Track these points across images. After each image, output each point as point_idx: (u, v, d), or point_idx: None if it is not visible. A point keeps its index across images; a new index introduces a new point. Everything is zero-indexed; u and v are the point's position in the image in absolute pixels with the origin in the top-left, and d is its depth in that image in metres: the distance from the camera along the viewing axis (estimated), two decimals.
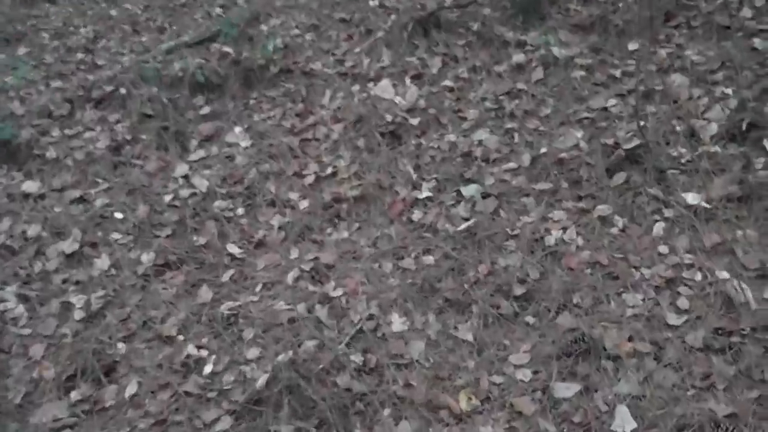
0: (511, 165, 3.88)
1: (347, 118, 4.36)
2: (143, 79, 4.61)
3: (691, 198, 3.46)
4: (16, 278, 3.62)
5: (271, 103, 4.61)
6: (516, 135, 4.07)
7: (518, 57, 4.58)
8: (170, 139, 4.31)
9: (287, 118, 4.48)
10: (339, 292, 3.35)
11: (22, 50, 5.74)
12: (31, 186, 4.12)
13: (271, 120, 4.48)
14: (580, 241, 3.40)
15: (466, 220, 3.62)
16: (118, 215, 3.89)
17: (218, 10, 5.99)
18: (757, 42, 4.34)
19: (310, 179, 4.03)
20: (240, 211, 3.90)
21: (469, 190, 3.78)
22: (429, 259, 3.45)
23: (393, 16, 5.11)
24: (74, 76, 5.10)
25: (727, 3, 4.71)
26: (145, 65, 4.77)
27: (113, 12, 6.42)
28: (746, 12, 4.60)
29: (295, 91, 4.69)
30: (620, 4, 4.87)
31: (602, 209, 3.53)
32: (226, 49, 4.93)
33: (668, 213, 3.43)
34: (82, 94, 4.76)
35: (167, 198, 3.97)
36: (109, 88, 4.71)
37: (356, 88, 4.61)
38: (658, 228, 3.37)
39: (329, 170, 4.07)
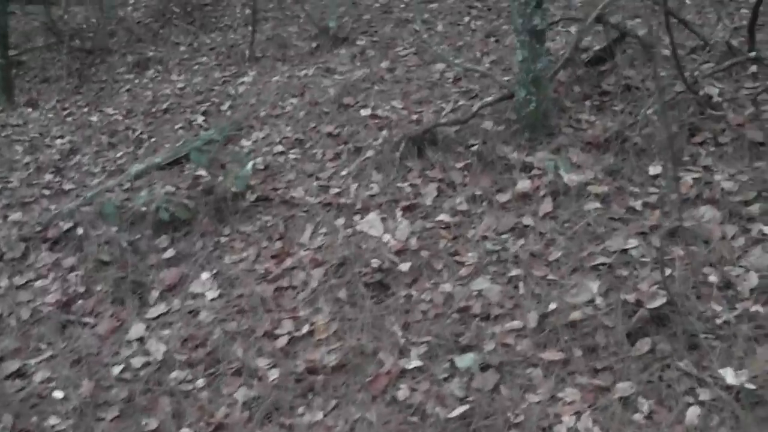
0: (516, 324, 3.32)
1: (329, 260, 3.82)
2: (103, 216, 4.10)
3: (731, 376, 2.86)
4: None
5: (245, 240, 4.08)
6: (521, 285, 3.51)
7: (524, 184, 4.03)
8: (127, 292, 3.80)
9: (262, 261, 3.94)
10: None
11: None
12: None
13: (243, 263, 3.94)
14: (596, 431, 2.77)
15: (461, 400, 3.03)
16: (58, 394, 3.35)
17: (200, 119, 5.49)
18: None
19: (282, 341, 3.49)
20: (200, 382, 3.37)
21: (465, 361, 3.21)
22: None
23: (384, 132, 4.56)
24: (37, 204, 4.60)
25: (759, 113, 4.13)
26: (107, 201, 4.25)
27: (94, 118, 5.97)
28: None
29: (272, 225, 4.17)
30: (638, 117, 4.28)
31: (623, 388, 2.94)
32: (200, 172, 4.40)
33: (703, 395, 2.84)
34: (40, 231, 4.25)
35: (116, 370, 3.46)
36: (66, 226, 4.21)
37: (341, 221, 4.08)
38: (692, 415, 2.78)
39: (305, 329, 3.54)
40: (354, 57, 6.12)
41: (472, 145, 4.32)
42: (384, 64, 5.70)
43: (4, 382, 3.49)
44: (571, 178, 3.96)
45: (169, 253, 4.04)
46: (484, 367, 3.17)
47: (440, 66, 5.54)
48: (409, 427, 2.99)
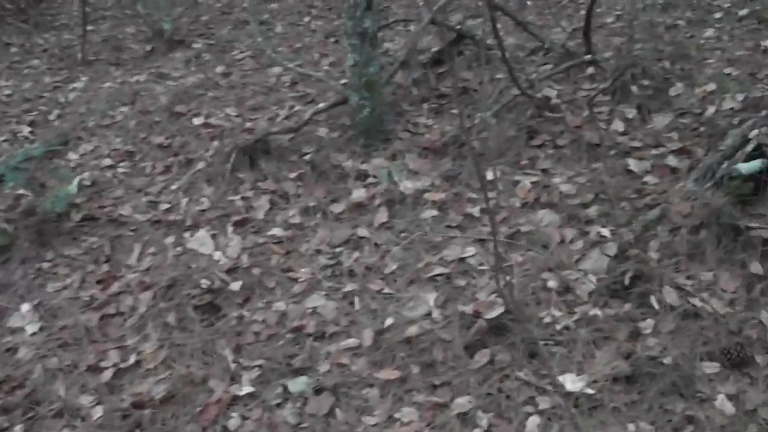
0: (351, 343, 3.26)
1: (158, 282, 3.67)
2: None
3: (570, 382, 2.90)
4: None
5: (70, 265, 3.87)
6: (357, 300, 3.46)
7: (358, 193, 3.97)
8: None
9: (87, 287, 3.75)
10: None
11: None
12: None
13: (67, 290, 3.73)
14: None
15: (295, 427, 2.97)
16: None
17: (26, 130, 5.18)
18: (631, 163, 3.86)
19: (108, 374, 3.32)
20: (17, 429, 3.13)
21: (298, 385, 3.13)
22: None
23: (216, 142, 4.41)
24: None
25: (595, 115, 4.20)
26: None
27: None
28: (617, 125, 4.11)
29: (98, 247, 3.96)
30: (475, 120, 4.28)
31: (462, 403, 2.92)
32: (20, 192, 4.14)
33: (543, 403, 2.85)
34: None
35: None
36: None
37: (171, 240, 3.92)
38: (532, 425, 2.78)
39: (132, 359, 3.37)
40: (189, 61, 5.93)
41: (306, 154, 4.23)
42: (219, 69, 5.55)
43: None
44: (407, 185, 3.93)
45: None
46: (319, 390, 3.10)
47: (277, 70, 5.43)
48: None
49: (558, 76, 4.70)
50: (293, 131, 4.34)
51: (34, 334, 3.53)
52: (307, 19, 6.53)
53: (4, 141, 5.18)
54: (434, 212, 3.83)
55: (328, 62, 5.43)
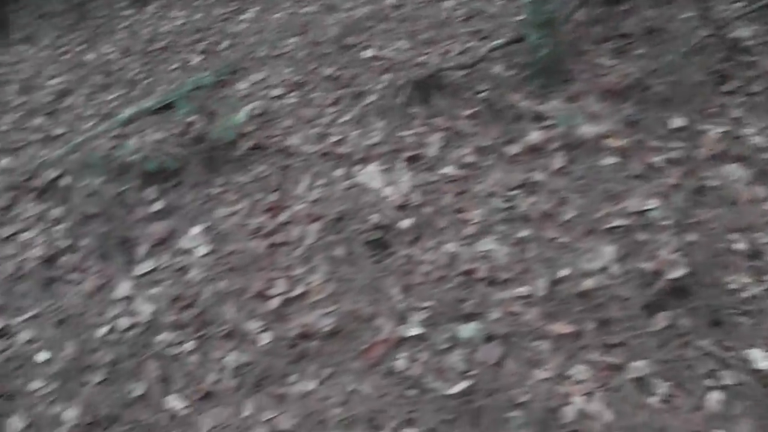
0: (523, 291, 3.09)
1: (326, 214, 3.59)
2: (89, 165, 3.85)
3: (761, 358, 2.61)
4: None
5: (239, 192, 3.84)
6: (530, 247, 3.27)
7: (534, 135, 3.75)
8: (114, 247, 3.57)
9: (255, 214, 3.70)
10: None
11: None
12: None
13: (236, 216, 3.70)
14: (608, 415, 2.60)
15: (463, 374, 2.82)
16: (42, 356, 3.16)
17: (197, 59, 5.19)
18: None
19: (275, 302, 3.28)
20: (189, 345, 3.17)
21: (468, 331, 3.00)
22: None
23: (388, 75, 4.26)
24: (27, 150, 4.35)
25: None
26: (92, 150, 4.00)
27: (90, 56, 5.66)
28: None
29: (267, 176, 3.91)
30: (661, 62, 3.97)
31: (638, 367, 2.72)
32: (191, 119, 4.13)
33: (727, 378, 2.61)
34: (27, 180, 4.02)
35: (102, 331, 3.26)
36: (53, 175, 3.98)
37: (339, 173, 3.82)
38: (713, 401, 2.55)
39: (299, 289, 3.31)
40: None
41: (481, 92, 4.03)
42: (390, 1, 5.36)
43: None
44: (586, 129, 3.68)
45: (158, 205, 3.81)
46: (488, 338, 2.96)
47: (449, 3, 5.22)
48: (407, 402, 2.78)
49: (753, 15, 4.28)
50: (468, 67, 4.14)
51: (204, 256, 3.53)
52: None
53: (176, 69, 5.21)
54: (614, 159, 3.58)
55: None
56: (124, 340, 3.22)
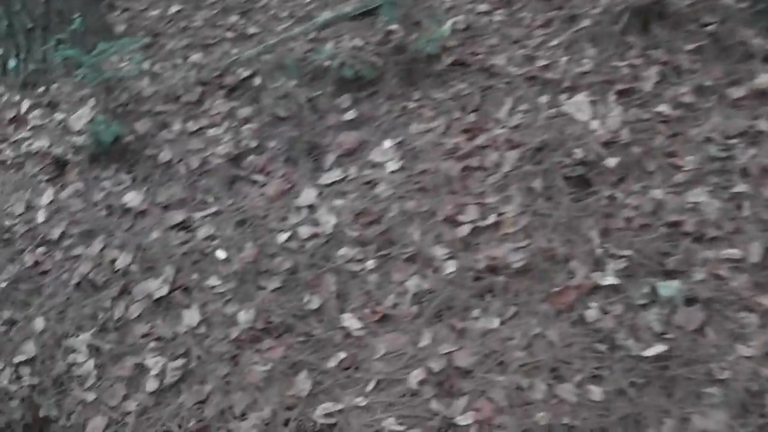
0: (734, 254, 2.85)
1: (527, 143, 3.41)
2: (283, 67, 3.80)
3: None
4: (92, 322, 3.01)
5: (436, 108, 3.70)
6: (746, 205, 2.99)
7: (764, 79, 3.39)
8: (301, 152, 3.54)
9: (452, 134, 3.56)
10: (468, 419, 2.54)
11: (175, 7, 5.04)
12: (133, 198, 3.47)
13: (430, 134, 3.58)
14: None
15: (659, 336, 2.63)
16: (221, 254, 3.19)
17: None
18: None
19: (464, 230, 3.15)
20: (370, 264, 3.11)
21: (669, 289, 2.79)
22: (596, 392, 2.53)
23: (605, 0, 3.96)
24: (219, 47, 4.35)
25: None
26: (288, 52, 3.93)
27: None
28: None
29: (467, 94, 3.75)
30: None
31: None
32: (392, 27, 3.99)
33: None
34: (218, 77, 4.01)
35: (282, 237, 3.24)
36: (245, 74, 3.95)
37: (544, 99, 3.61)
38: None
39: (491, 219, 3.19)
40: None
41: (708, 24, 3.67)
42: None
43: (169, 232, 3.33)
44: None
45: (351, 114, 3.72)
46: (690, 300, 2.76)
47: None
48: (595, 357, 2.62)
49: None
50: None
51: (393, 172, 3.43)
52: None
53: None
54: None
55: None
56: (305, 249, 3.19)
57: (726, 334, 2.61)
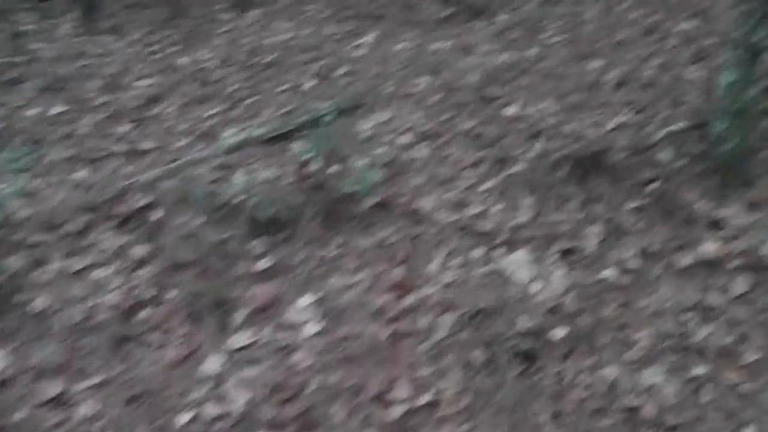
0: None
1: (462, 305, 3.02)
2: (188, 199, 3.31)
3: None
4: None
5: (359, 258, 3.29)
6: (706, 390, 2.67)
7: (708, 247, 3.18)
8: (207, 307, 3.01)
9: (378, 290, 3.16)
10: None
11: (57, 108, 4.48)
12: None
13: (354, 289, 3.16)
14: None
15: None
16: None
17: (310, 84, 4.64)
18: None
19: (397, 411, 2.73)
20: None
21: None
22: None
23: (539, 144, 3.69)
24: (107, 162, 3.81)
25: None
26: (194, 181, 3.45)
27: (184, 60, 5.13)
28: None
29: (393, 243, 3.35)
30: None
31: None
32: (307, 157, 3.58)
33: None
34: (107, 201, 3.46)
35: (184, 418, 2.69)
36: (141, 202, 3.42)
37: (479, 254, 3.27)
38: None
39: (426, 397, 2.73)
40: (496, 36, 5.20)
41: (648, 182, 3.43)
42: (532, 51, 4.79)
43: (40, 409, 2.73)
44: None
45: (265, 262, 3.26)
46: None
47: (597, 64, 4.63)
48: None
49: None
50: (639, 152, 3.55)
51: (313, 336, 2.97)
52: (624, 6, 5.63)
53: (285, 91, 4.67)
54: None
55: (655, 63, 4.57)
56: None
57: None
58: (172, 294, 3.13)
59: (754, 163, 3.46)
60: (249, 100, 4.62)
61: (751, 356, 2.80)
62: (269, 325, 3.04)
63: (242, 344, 2.97)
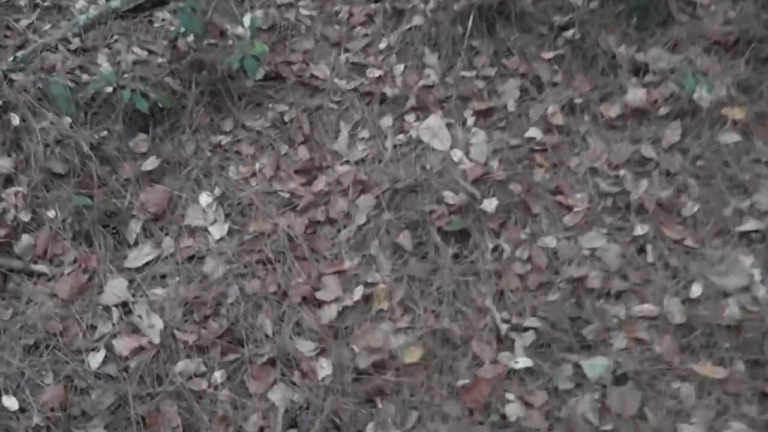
0: (649, 311, 2.34)
1: (380, 184, 2.70)
2: (50, 100, 2.77)
3: None
4: None
5: (256, 142, 2.91)
6: (650, 249, 2.50)
7: (636, 94, 2.94)
8: (95, 223, 2.55)
9: (282, 177, 2.81)
10: None
11: None
12: None
13: (256, 179, 2.76)
14: None
15: (598, 430, 2.13)
16: (11, 403, 2.19)
17: None
18: None
19: (329, 312, 2.41)
20: (218, 377, 2.25)
21: (595, 369, 2.26)
22: None
23: None
24: None
25: None
26: (49, 69, 2.89)
27: None
28: None
29: (291, 120, 2.98)
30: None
31: None
32: (178, 33, 3.09)
33: None
34: None
35: (95, 360, 2.28)
36: None
37: (388, 122, 2.94)
38: None
39: (357, 293, 2.43)
40: None
41: (562, 28, 3.14)
42: None
43: None
44: (703, 92, 2.87)
45: (152, 162, 2.79)
46: (620, 379, 2.25)
47: None
48: None
49: None
50: None
51: (221, 239, 2.57)
52: None
53: None
54: (736, 138, 2.81)
55: None
56: (127, 374, 2.28)
57: (665, 413, 2.12)
58: (51, 213, 2.64)
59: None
60: None
61: (689, 209, 2.63)
62: (170, 234, 2.62)
63: (144, 261, 2.56)
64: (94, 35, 3.22)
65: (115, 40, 3.19)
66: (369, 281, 2.52)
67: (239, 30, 3.15)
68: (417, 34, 3.24)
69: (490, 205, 2.68)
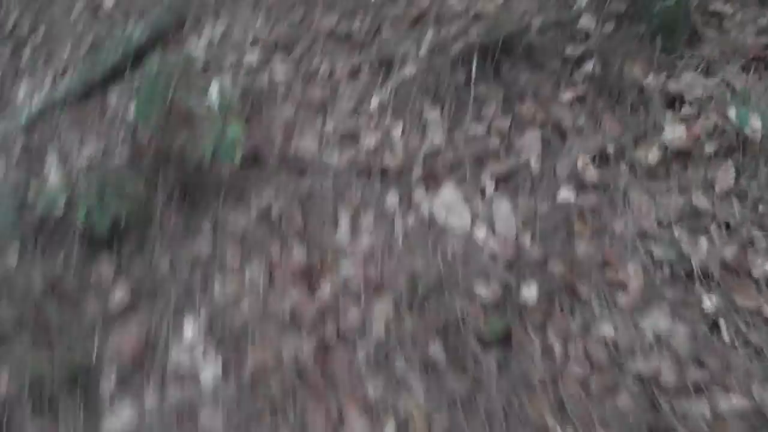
0: (741, 406, 1.92)
1: (393, 281, 2.24)
2: None
3: None
4: None
5: (241, 246, 2.42)
6: (723, 325, 2.05)
7: (675, 132, 2.48)
8: (61, 383, 2.09)
9: (280, 289, 2.39)
10: None
11: None
12: None
13: (249, 298, 2.33)
14: None
15: None
16: None
17: (109, 2, 3.54)
18: None
19: None
20: None
21: None
22: None
23: (430, 33, 2.85)
24: None
25: None
26: None
27: None
28: None
29: (281, 214, 2.49)
30: None
31: None
32: (136, 118, 2.62)
33: None
34: None
35: None
36: None
37: (394, 200, 2.48)
38: None
39: (390, 426, 1.99)
40: None
41: (578, 60, 2.68)
42: None
43: None
44: (749, 123, 2.43)
45: (120, 291, 2.32)
46: None
47: None
48: None
49: None
50: (561, 25, 2.76)
51: (215, 384, 2.11)
52: None
53: (81, 15, 3.55)
54: None
55: None
56: None
57: None
58: (3, 373, 2.17)
59: (696, 12, 2.74)
60: (36, 35, 3.48)
61: (761, 268, 2.20)
62: (151, 383, 2.17)
63: (122, 424, 2.09)
64: (40, 131, 2.73)
65: (65, 135, 2.70)
66: (400, 410, 2.06)
67: (207, 105, 2.67)
68: (412, 85, 2.77)
69: (530, 293, 2.23)
